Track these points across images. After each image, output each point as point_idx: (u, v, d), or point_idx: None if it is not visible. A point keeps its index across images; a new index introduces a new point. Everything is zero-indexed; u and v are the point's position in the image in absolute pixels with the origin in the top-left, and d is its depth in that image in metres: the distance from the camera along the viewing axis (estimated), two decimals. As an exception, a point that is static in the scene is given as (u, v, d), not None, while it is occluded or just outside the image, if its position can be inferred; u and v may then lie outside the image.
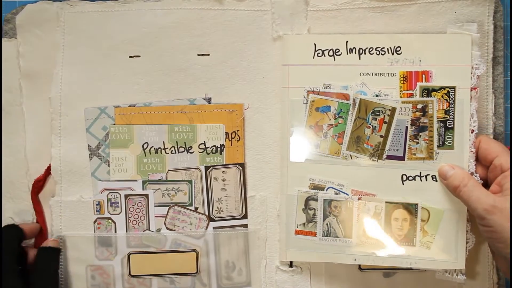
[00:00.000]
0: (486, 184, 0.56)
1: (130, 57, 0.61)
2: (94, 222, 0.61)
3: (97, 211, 0.60)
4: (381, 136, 0.58)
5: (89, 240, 0.60)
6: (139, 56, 0.61)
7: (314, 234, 0.59)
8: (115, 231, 0.60)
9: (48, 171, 0.61)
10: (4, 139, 0.62)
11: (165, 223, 0.61)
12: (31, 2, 0.61)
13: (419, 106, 0.58)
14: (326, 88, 0.59)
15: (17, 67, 0.61)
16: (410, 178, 0.58)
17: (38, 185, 0.61)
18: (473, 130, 0.57)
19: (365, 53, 0.59)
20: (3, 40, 0.61)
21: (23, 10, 0.61)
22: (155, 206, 0.60)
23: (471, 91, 0.57)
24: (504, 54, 0.60)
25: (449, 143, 0.58)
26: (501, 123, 0.60)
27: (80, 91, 0.61)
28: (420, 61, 0.58)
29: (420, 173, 0.58)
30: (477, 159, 0.57)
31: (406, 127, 0.58)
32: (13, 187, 0.62)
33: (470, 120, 0.57)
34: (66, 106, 0.60)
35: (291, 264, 0.61)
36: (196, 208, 0.61)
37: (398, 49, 0.58)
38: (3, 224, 0.60)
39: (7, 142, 0.62)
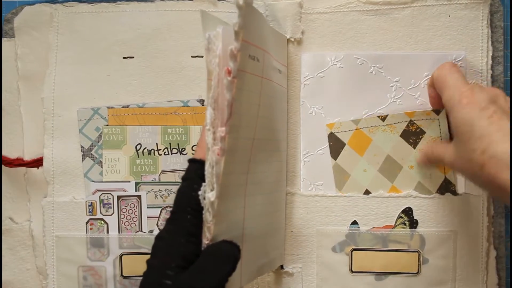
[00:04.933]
0: None
1: (124, 58, 0.61)
2: (87, 223, 0.60)
3: (89, 212, 0.60)
4: None
5: (81, 240, 0.60)
6: (132, 57, 0.61)
7: None
8: (108, 232, 0.60)
9: (36, 162, 0.61)
10: (4, 139, 0.62)
11: (157, 225, 0.60)
12: (30, 2, 0.61)
13: None
14: None
15: (15, 67, 0.61)
16: None
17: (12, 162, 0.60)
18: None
19: None
20: (3, 40, 0.61)
21: (21, 13, 0.61)
22: (147, 208, 0.60)
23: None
24: (504, 54, 0.59)
25: None
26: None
27: (73, 91, 0.60)
28: None
29: None
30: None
31: None
32: (12, 187, 0.62)
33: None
34: (59, 106, 0.60)
35: (282, 266, 0.61)
36: (188, 210, 0.61)
37: None
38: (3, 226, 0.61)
39: (7, 141, 0.62)
